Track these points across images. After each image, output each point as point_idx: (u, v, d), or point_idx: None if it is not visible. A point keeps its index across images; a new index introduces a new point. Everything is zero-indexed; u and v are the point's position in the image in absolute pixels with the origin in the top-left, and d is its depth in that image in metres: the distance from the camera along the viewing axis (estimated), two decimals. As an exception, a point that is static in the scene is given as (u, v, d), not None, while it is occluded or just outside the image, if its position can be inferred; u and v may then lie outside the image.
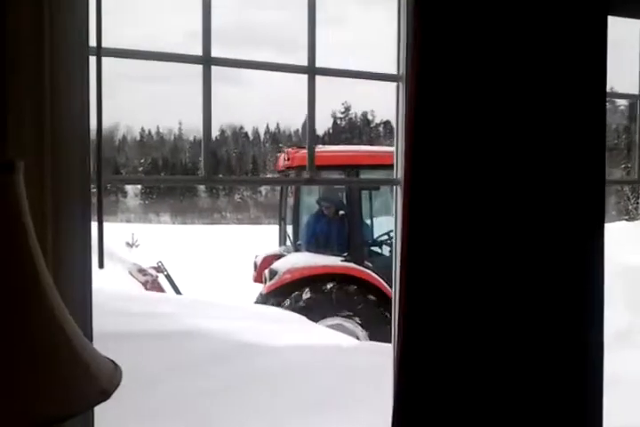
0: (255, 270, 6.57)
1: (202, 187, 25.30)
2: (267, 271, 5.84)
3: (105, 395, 0.78)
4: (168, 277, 6.96)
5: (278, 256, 6.26)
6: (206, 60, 1.42)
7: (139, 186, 28.60)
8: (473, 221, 1.37)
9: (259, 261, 6.55)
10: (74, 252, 1.21)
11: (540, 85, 1.40)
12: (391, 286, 5.89)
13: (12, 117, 1.09)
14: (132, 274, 6.65)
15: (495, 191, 1.37)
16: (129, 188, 29.09)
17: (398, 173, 1.65)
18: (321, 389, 2.93)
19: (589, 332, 1.51)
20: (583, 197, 1.45)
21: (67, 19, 1.17)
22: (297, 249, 6.36)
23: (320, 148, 6.90)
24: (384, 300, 5.34)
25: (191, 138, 32.96)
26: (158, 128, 32.91)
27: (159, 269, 6.97)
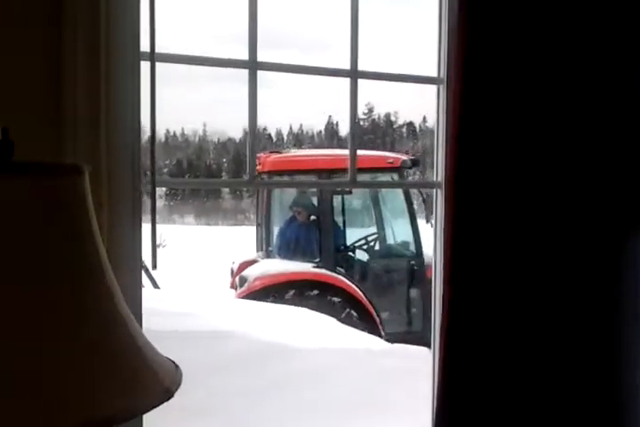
0: (231, 276, 6.56)
1: (226, 189, 25.40)
2: (237, 278, 5.84)
3: (169, 394, 0.80)
4: (146, 270, 7.00)
5: (252, 262, 6.21)
6: (252, 65, 1.44)
7: (164, 188, 28.86)
8: (520, 225, 1.37)
9: (235, 267, 6.52)
10: (125, 253, 1.23)
11: (594, 87, 1.39)
12: (363, 292, 5.80)
13: (68, 119, 1.12)
14: None
15: (541, 194, 1.37)
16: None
17: (438, 175, 1.66)
18: (353, 391, 2.94)
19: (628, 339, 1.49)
20: (631, 202, 1.44)
21: (120, 24, 1.19)
22: (268, 255, 6.33)
23: (293, 152, 6.85)
24: (352, 303, 5.31)
25: (215, 139, 33.20)
26: (183, 130, 33.19)
27: None
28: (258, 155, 6.80)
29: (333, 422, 2.66)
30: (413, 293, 5.81)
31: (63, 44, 1.12)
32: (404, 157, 5.87)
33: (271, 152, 6.35)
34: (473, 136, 1.36)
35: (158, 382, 0.80)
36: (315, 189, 6.14)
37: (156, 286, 6.98)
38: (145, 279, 6.82)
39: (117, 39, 1.19)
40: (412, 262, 5.85)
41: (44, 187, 0.74)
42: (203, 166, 31.54)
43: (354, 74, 1.57)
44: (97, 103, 1.15)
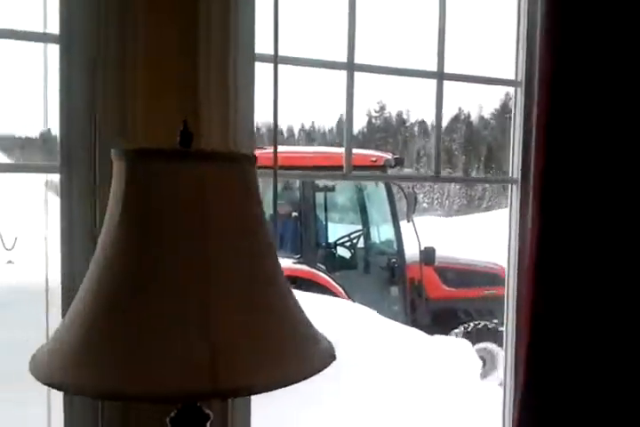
0: None
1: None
2: None
3: (333, 358, 0.90)
4: None
5: None
6: (350, 67, 1.53)
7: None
8: (605, 223, 1.43)
9: None
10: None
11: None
12: (343, 288, 5.72)
13: (203, 116, 1.21)
14: None
15: (627, 192, 1.45)
16: None
17: (514, 172, 1.75)
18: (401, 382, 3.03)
19: None
20: None
21: (240, 25, 1.28)
22: None
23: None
24: None
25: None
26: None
27: None
28: None
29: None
30: (394, 291, 5.83)
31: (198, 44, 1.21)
32: (388, 156, 5.84)
33: (258, 148, 6.25)
34: (561, 136, 1.45)
35: (326, 347, 0.90)
36: (299, 187, 6.04)
37: None
38: None
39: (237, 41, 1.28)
40: (394, 260, 5.83)
41: (232, 171, 0.84)
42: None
43: (440, 75, 1.66)
44: (227, 102, 1.24)
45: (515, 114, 1.75)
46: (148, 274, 0.78)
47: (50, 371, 0.78)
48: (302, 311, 0.89)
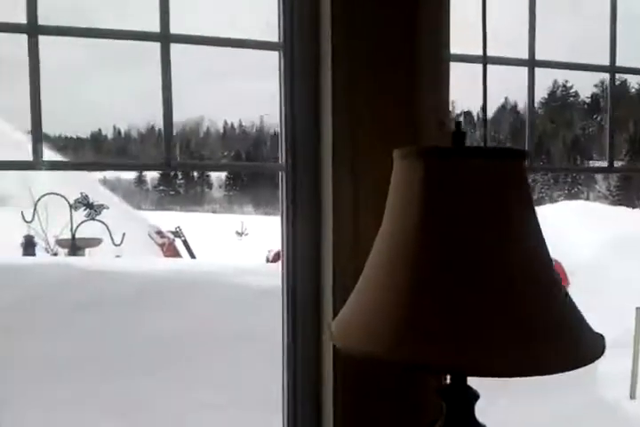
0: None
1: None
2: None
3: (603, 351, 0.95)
4: (185, 242, 7.19)
5: None
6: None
7: (223, 177, 29.53)
8: None
9: (270, 256, 6.62)
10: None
11: None
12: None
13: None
14: (150, 236, 6.90)
15: None
16: (214, 179, 30.03)
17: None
18: None
19: None
20: None
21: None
22: None
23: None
24: None
25: (272, 131, 33.65)
26: (241, 121, 33.75)
27: (177, 233, 7.21)
28: None
29: None
30: None
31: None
32: None
33: None
34: None
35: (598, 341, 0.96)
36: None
37: (192, 256, 7.20)
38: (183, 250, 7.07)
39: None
40: None
41: (512, 166, 0.93)
42: (260, 157, 32.05)
43: (532, 63, 1.65)
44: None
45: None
46: (456, 255, 0.88)
47: (370, 349, 0.88)
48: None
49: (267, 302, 2.84)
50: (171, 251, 6.73)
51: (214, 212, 27.77)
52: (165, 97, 1.27)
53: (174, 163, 1.29)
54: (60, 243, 5.28)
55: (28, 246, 5.05)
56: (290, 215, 1.33)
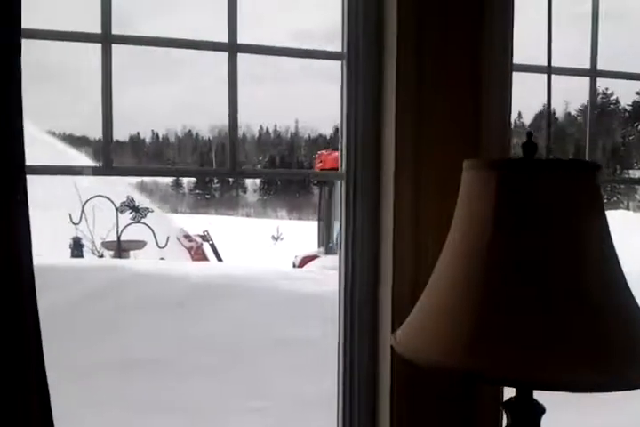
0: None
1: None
2: None
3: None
4: (212, 246, 7.20)
5: (313, 258, 6.31)
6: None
7: (257, 182, 29.72)
8: None
9: (297, 261, 6.62)
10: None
11: None
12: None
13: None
14: (178, 239, 6.93)
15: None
16: (248, 184, 30.25)
17: None
18: None
19: None
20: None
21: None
22: (327, 251, 6.39)
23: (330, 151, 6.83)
24: None
25: (306, 136, 33.78)
26: (276, 126, 33.98)
27: (205, 237, 7.22)
28: (319, 152, 6.90)
29: None
30: None
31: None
32: None
33: (333, 150, 6.45)
34: None
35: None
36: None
37: (219, 259, 7.24)
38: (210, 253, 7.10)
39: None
40: None
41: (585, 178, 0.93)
42: (294, 163, 32.19)
43: (594, 72, 1.63)
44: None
45: None
46: (528, 269, 0.88)
47: (439, 359, 0.89)
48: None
49: (311, 307, 2.85)
50: (199, 255, 6.78)
51: (248, 216, 27.98)
52: (231, 108, 1.30)
53: (238, 169, 1.32)
54: (106, 245, 5.39)
55: (76, 248, 5.17)
56: (349, 225, 1.34)
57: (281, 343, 2.85)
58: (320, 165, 6.44)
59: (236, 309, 3.01)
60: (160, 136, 31.34)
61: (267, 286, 3.23)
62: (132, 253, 5.39)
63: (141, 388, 2.43)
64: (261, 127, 33.12)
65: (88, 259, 4.75)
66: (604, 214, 0.94)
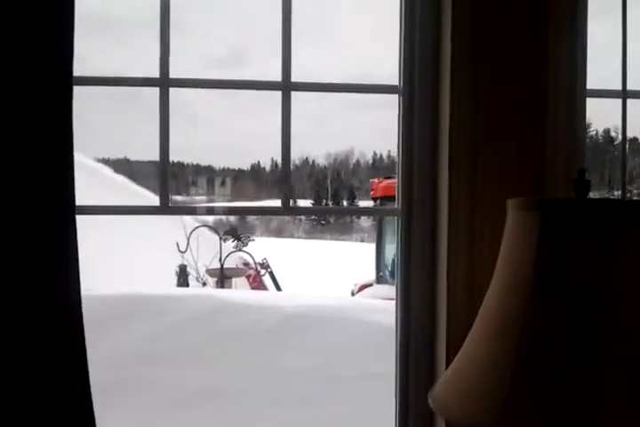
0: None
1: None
2: None
3: None
4: (271, 273, 7.09)
5: (369, 286, 6.31)
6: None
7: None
8: None
9: (355, 289, 6.58)
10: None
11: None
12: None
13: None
14: (237, 266, 6.85)
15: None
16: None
17: None
18: None
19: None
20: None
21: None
22: (379, 280, 6.37)
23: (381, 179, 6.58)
24: None
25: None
26: (389, 152, 34.07)
27: (264, 265, 7.10)
28: (371, 180, 6.72)
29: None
30: None
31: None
32: None
33: (385, 177, 6.32)
34: None
35: None
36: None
37: (278, 288, 7.21)
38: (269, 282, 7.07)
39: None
40: None
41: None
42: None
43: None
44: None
45: None
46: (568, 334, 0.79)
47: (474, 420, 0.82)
48: None
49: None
50: (257, 283, 6.86)
51: (362, 240, 28.06)
52: (284, 140, 1.30)
53: (293, 206, 1.32)
54: (209, 272, 5.59)
55: (182, 275, 5.40)
56: (403, 260, 1.30)
57: (360, 378, 2.76)
58: (372, 193, 6.50)
59: (324, 340, 2.98)
60: (278, 164, 32.25)
61: (354, 316, 3.18)
62: (233, 280, 5.53)
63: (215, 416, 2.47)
64: (375, 153, 33.38)
65: (183, 289, 4.95)
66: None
